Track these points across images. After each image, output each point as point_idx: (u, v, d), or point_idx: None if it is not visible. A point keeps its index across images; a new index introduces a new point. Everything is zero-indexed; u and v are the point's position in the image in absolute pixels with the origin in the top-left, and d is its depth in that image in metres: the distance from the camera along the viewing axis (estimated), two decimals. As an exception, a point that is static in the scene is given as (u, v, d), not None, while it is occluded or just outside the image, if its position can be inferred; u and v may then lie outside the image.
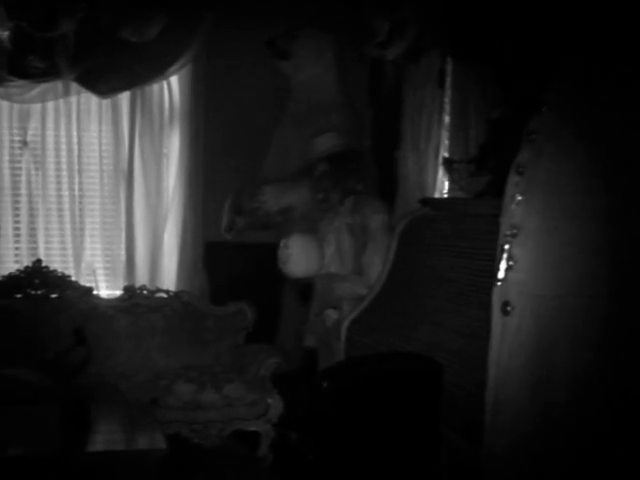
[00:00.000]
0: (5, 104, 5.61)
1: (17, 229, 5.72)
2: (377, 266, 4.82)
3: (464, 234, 4.03)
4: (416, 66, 5.29)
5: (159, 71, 5.70)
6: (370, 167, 5.55)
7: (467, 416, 3.49)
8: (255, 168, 5.71)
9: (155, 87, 5.80)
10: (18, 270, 5.43)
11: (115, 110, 5.77)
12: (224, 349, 5.54)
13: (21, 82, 5.43)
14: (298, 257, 5.12)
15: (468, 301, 3.83)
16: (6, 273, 5.44)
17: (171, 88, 5.85)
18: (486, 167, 4.14)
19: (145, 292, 5.55)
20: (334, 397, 3.22)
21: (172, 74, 5.77)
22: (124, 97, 5.75)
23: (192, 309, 5.58)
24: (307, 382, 4.84)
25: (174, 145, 5.88)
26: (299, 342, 5.48)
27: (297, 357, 5.50)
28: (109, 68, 5.50)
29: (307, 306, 5.35)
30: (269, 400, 5.02)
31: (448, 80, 5.14)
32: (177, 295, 5.62)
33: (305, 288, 5.31)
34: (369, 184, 5.43)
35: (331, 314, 4.93)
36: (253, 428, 5.04)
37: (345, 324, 4.65)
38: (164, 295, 5.60)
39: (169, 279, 5.83)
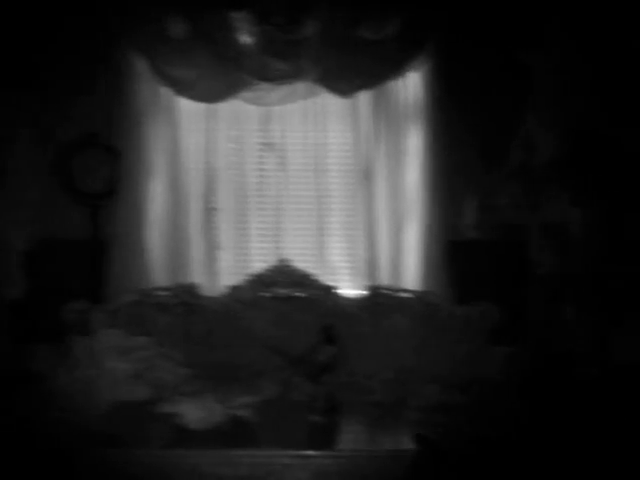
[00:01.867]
0: (250, 107, 5.77)
1: (262, 229, 5.87)
2: None
3: None
4: None
5: (398, 68, 5.62)
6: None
7: None
8: (498, 164, 5.48)
9: (395, 84, 5.72)
10: (264, 269, 5.57)
11: (355, 109, 5.76)
12: (468, 350, 5.34)
13: (265, 85, 5.56)
14: None
15: None
16: (254, 272, 5.60)
17: (411, 85, 5.75)
18: None
19: (388, 291, 5.49)
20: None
21: (412, 71, 5.67)
22: (364, 96, 5.72)
23: (435, 309, 5.44)
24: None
25: (415, 143, 5.77)
26: (546, 346, 5.18)
27: (542, 362, 5.21)
28: (349, 67, 5.50)
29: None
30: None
31: None
32: (420, 295, 5.51)
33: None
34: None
35: None
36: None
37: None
38: (407, 295, 5.51)
39: (411, 278, 5.72)
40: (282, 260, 5.58)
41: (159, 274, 5.73)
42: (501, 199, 5.29)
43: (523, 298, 5.56)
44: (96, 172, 5.80)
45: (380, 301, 5.47)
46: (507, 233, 5.51)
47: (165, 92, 5.68)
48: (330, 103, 5.75)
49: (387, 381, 4.91)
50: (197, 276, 5.72)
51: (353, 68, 5.50)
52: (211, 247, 5.79)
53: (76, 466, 3.79)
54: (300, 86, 5.61)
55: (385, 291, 5.52)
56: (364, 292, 5.59)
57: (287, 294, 5.49)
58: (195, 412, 3.85)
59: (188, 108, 5.76)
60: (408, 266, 5.76)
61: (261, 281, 5.53)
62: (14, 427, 4.46)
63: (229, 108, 5.76)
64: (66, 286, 5.45)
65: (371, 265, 5.73)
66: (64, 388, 4.55)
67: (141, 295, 5.49)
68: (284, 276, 5.53)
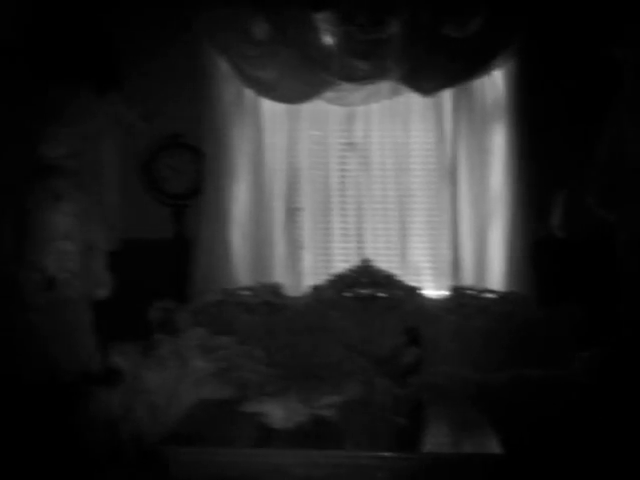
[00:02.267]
0: (332, 108, 5.77)
1: (345, 229, 5.86)
2: None
3: None
4: None
5: (481, 66, 5.55)
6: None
7: None
8: (585, 163, 5.33)
9: (478, 83, 5.64)
10: (347, 269, 5.55)
11: (438, 108, 5.70)
12: (554, 352, 5.21)
13: (347, 86, 5.55)
14: None
15: None
16: (336, 272, 5.59)
17: (495, 83, 5.66)
18: None
19: (472, 292, 5.41)
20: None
21: (495, 69, 5.58)
22: (446, 94, 5.66)
23: (520, 311, 5.33)
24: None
25: (499, 142, 5.67)
26: (636, 346, 5.01)
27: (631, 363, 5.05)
28: (432, 66, 5.45)
29: None
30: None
31: None
32: (505, 296, 5.41)
33: None
34: None
35: None
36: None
37: None
38: (491, 295, 5.42)
39: (496, 279, 5.62)
40: (365, 260, 5.56)
41: (242, 274, 5.78)
42: (588, 198, 5.14)
43: (611, 298, 5.40)
44: (181, 173, 5.88)
45: (464, 302, 5.40)
46: (594, 232, 5.36)
47: (249, 93, 5.73)
48: (413, 102, 5.71)
49: (470, 382, 4.83)
50: (280, 276, 5.75)
51: (437, 67, 5.45)
52: (294, 247, 5.82)
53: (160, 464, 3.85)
54: (383, 85, 5.59)
55: (469, 292, 5.44)
56: (447, 293, 5.52)
57: (369, 294, 5.47)
58: (278, 411, 3.84)
59: (271, 109, 5.80)
60: (492, 266, 5.67)
61: (343, 281, 5.52)
62: (98, 425, 4.57)
63: (312, 108, 5.79)
64: (151, 286, 5.53)
65: (455, 265, 5.66)
66: (148, 387, 4.63)
67: (225, 295, 5.55)
68: (366, 276, 5.50)
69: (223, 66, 5.65)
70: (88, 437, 4.65)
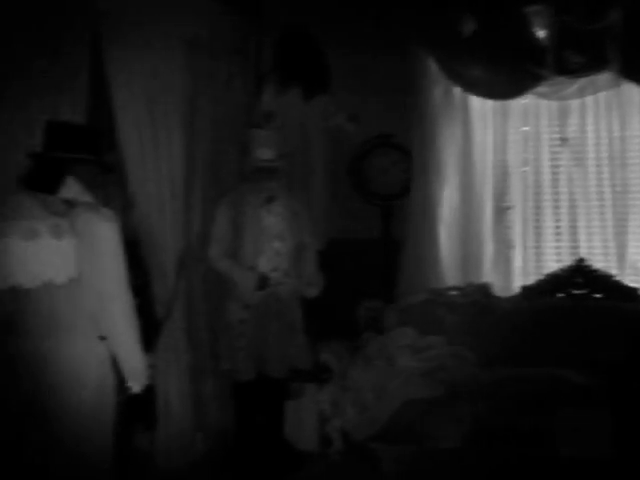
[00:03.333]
0: (544, 102, 5.60)
1: (558, 227, 5.67)
2: None
3: None
4: None
5: None
6: None
7: None
8: None
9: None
10: (560, 269, 5.36)
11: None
12: None
13: (561, 79, 5.36)
14: None
15: None
16: (548, 272, 5.42)
17: None
18: None
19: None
20: None
21: None
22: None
23: None
24: None
25: None
26: None
27: None
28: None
29: None
30: None
31: None
32: None
33: None
34: None
35: None
36: None
37: None
38: None
39: None
40: (579, 259, 5.33)
41: (450, 274, 5.71)
42: None
43: None
44: (389, 173, 5.90)
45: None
46: None
47: (457, 91, 5.67)
48: (632, 94, 5.42)
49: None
50: (489, 276, 5.64)
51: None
52: (503, 246, 5.69)
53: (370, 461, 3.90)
54: (599, 77, 5.35)
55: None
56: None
57: (584, 295, 5.22)
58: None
59: (480, 106, 5.71)
60: None
61: (556, 281, 5.32)
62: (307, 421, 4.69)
63: (521, 104, 5.65)
64: (359, 285, 5.59)
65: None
66: (357, 385, 4.67)
67: (432, 294, 5.49)
68: (581, 276, 5.27)
69: (431, 64, 5.62)
70: (297, 433, 4.79)
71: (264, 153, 4.61)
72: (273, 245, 4.68)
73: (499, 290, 5.54)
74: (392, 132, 5.85)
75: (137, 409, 3.04)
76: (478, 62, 5.46)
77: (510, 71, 5.40)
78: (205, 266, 4.75)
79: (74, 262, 2.46)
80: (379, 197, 5.95)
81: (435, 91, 5.66)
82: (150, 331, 3.07)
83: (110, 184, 4.66)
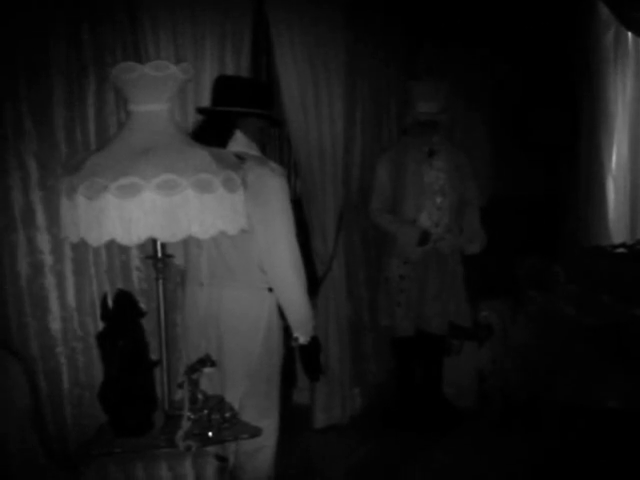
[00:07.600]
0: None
1: None
2: None
3: None
4: None
5: None
6: None
7: None
8: None
9: None
10: None
11: None
12: None
13: None
14: None
15: None
16: None
17: None
18: None
19: None
20: None
21: None
22: None
23: None
24: None
25: None
26: None
27: None
28: None
29: None
30: None
31: None
32: None
33: None
34: None
35: None
36: None
37: None
38: None
39: None
40: None
41: (618, 230, 5.54)
42: None
43: None
44: (553, 124, 5.68)
45: None
46: None
47: (629, 37, 5.38)
48: None
49: None
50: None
51: None
52: None
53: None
54: None
55: None
56: None
57: None
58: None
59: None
60: None
61: None
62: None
63: None
64: (521, 242, 5.46)
65: None
66: (517, 343, 4.60)
67: (598, 251, 5.29)
68: None
69: (603, 11, 5.34)
70: (455, 390, 4.76)
71: (425, 106, 4.51)
72: (435, 200, 4.58)
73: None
74: (558, 81, 5.61)
75: (303, 360, 3.07)
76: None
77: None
78: (365, 222, 4.74)
79: (245, 214, 2.51)
80: (543, 147, 5.74)
81: (605, 37, 5.38)
82: (311, 287, 3.08)
83: (277, 139, 4.76)
